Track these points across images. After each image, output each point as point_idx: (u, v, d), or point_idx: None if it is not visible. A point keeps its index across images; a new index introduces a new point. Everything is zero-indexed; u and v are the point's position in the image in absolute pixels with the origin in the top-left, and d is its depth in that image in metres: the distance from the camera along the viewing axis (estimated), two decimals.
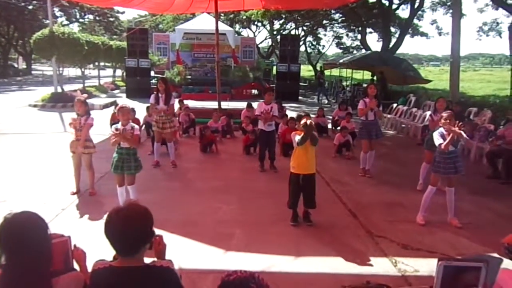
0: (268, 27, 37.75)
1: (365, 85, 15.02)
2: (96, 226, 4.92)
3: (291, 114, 11.28)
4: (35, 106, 17.14)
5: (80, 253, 2.28)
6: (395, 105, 14.71)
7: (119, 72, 32.93)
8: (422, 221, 5.35)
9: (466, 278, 1.97)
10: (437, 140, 5.22)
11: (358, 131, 7.66)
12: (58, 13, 38.75)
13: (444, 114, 5.24)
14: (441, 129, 5.24)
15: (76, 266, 2.31)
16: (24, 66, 46.00)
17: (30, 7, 38.15)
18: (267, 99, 7.74)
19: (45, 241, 1.94)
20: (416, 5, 22.93)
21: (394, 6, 26.59)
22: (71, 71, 36.25)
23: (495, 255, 2.33)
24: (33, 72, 44.12)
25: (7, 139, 10.25)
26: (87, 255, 2.40)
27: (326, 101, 22.30)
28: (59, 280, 1.91)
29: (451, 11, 17.87)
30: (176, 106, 10.53)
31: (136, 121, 8.86)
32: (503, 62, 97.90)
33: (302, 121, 4.93)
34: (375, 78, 20.37)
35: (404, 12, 28.61)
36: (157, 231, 2.06)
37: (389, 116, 13.90)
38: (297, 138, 5.02)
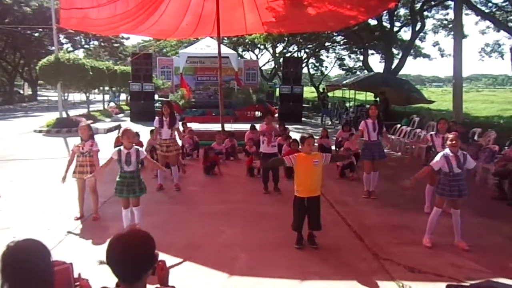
0: (271, 49, 38.21)
1: (368, 106, 15.05)
2: (99, 251, 4.88)
3: (294, 135, 11.30)
4: (40, 131, 17.26)
5: (85, 284, 2.26)
6: (398, 125, 14.72)
7: (123, 96, 33.28)
8: (429, 243, 5.27)
9: None
10: (437, 161, 5.21)
11: (361, 151, 7.65)
12: (63, 40, 39.41)
13: (450, 136, 5.23)
14: (447, 151, 5.22)
15: None
16: (30, 92, 46.48)
17: (36, 34, 38.85)
18: (267, 123, 8.02)
19: (48, 269, 1.92)
20: (418, 27, 23.19)
21: (395, 29, 26.94)
22: (76, 96, 36.66)
23: (506, 281, 2.27)
24: (38, 98, 44.60)
25: (12, 165, 10.29)
26: (90, 281, 2.38)
27: (330, 122, 22.35)
28: None
29: (452, 33, 18.04)
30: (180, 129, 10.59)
31: (140, 144, 8.90)
32: (506, 82, 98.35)
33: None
34: (377, 99, 20.46)
35: (406, 34, 28.98)
36: (160, 255, 2.04)
37: (392, 137, 13.88)
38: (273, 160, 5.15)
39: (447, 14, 25.99)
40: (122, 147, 5.26)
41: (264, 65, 43.71)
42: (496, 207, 7.26)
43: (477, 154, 9.27)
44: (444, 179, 5.24)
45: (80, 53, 41.74)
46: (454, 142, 5.13)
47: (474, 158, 9.07)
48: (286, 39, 30.87)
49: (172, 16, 11.81)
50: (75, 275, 2.41)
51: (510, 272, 4.55)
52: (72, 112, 21.16)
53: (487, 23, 22.78)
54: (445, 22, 27.43)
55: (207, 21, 11.94)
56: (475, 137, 11.06)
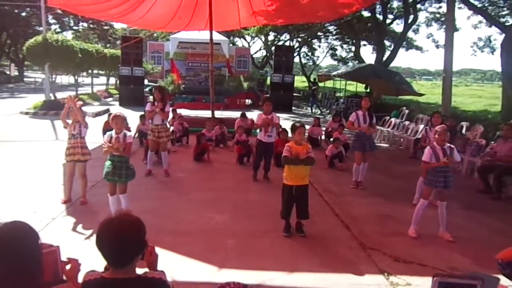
0: (262, 38, 38.01)
1: (359, 96, 15.12)
2: (87, 235, 4.88)
3: (284, 124, 11.32)
4: (26, 113, 17.00)
5: (74, 263, 2.23)
6: (387, 117, 14.82)
7: (112, 80, 32.87)
8: (414, 234, 5.36)
9: None
10: (425, 155, 5.28)
11: (352, 143, 7.69)
12: (52, 21, 38.61)
13: (438, 129, 5.29)
14: (434, 143, 5.30)
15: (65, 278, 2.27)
16: (16, 73, 45.67)
17: (24, 14, 38.01)
18: (266, 110, 7.64)
19: (36, 251, 1.91)
20: (410, 20, 23.23)
21: (388, 21, 26.96)
22: (64, 79, 36.11)
23: (493, 274, 2.31)
24: (25, 79, 43.86)
25: None
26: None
27: (319, 112, 22.41)
28: None
29: (444, 26, 18.09)
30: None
31: (128, 129, 8.83)
32: (494, 78, 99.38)
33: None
34: (368, 89, 20.55)
35: (398, 26, 29.03)
36: (149, 241, 2.03)
37: (382, 128, 13.98)
38: (283, 157, 5.09)
39: (440, 7, 26.05)
40: (113, 132, 5.22)
41: (255, 52, 43.58)
42: (481, 200, 7.40)
43: (464, 148, 9.40)
44: (431, 171, 5.31)
45: (68, 35, 41.01)
46: (441, 135, 5.19)
47: (461, 152, 9.21)
48: (278, 27, 30.71)
49: (164, 7, 11.58)
50: (63, 259, 2.40)
51: (493, 263, 4.64)
52: (60, 95, 20.85)
53: (479, 17, 22.87)
54: (438, 15, 27.50)
55: (201, 15, 11.74)
56: (463, 131, 11.19)
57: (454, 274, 2.60)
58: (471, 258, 4.75)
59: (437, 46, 30.89)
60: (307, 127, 8.85)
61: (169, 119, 8.82)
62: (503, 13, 20.80)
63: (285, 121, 14.47)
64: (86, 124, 5.97)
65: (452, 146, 5.40)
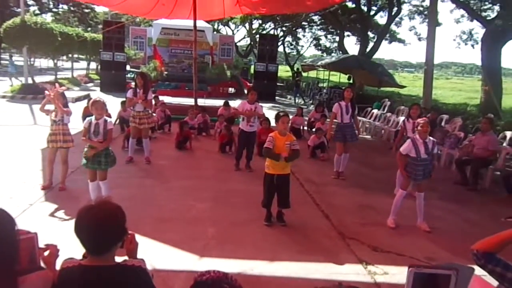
0: (247, 26, 37.75)
1: (342, 88, 15.19)
2: (65, 222, 4.82)
3: (267, 114, 11.31)
4: (3, 97, 16.56)
5: (52, 249, 2.19)
6: (369, 109, 14.95)
7: (93, 65, 32.25)
8: (393, 224, 5.45)
9: (436, 285, 2.01)
10: (405, 146, 5.35)
11: (334, 133, 7.73)
12: (30, 2, 37.54)
13: (421, 121, 5.34)
14: (416, 136, 5.35)
15: (42, 264, 2.23)
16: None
17: None
18: (250, 99, 7.60)
19: (12, 237, 1.86)
20: (394, 12, 23.37)
21: (372, 12, 27.06)
22: (43, 62, 35.27)
23: (468, 265, 2.37)
24: (2, 62, 42.65)
25: None
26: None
27: (302, 102, 22.46)
28: (26, 279, 1.84)
29: (427, 20, 18.28)
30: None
31: (108, 115, 8.70)
32: (474, 71, 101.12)
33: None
34: (351, 81, 20.67)
35: (382, 19, 29.21)
36: (129, 229, 2.01)
37: (364, 119, 14.10)
38: (264, 148, 5.09)
39: (423, 0, 26.29)
40: (93, 118, 5.12)
41: (239, 41, 43.21)
42: (458, 191, 7.57)
43: (443, 140, 9.56)
44: (411, 163, 5.38)
45: (48, 17, 39.95)
46: (423, 127, 5.25)
47: (439, 144, 9.37)
48: (262, 16, 30.55)
49: None
50: (40, 245, 2.36)
51: (468, 254, 4.76)
52: (38, 79, 20.38)
53: (462, 11, 23.17)
54: (421, 8, 27.75)
55: (185, 2, 11.52)
56: (442, 123, 11.38)
57: (429, 265, 2.66)
58: (447, 249, 4.87)
59: (419, 39, 31.28)
60: (290, 116, 8.87)
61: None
62: (485, 7, 21.09)
63: (269, 111, 14.47)
64: (69, 112, 5.85)
65: (434, 139, 5.48)
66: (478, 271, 2.20)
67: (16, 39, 16.90)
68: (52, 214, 5.13)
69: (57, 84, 6.18)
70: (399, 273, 4.02)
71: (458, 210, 6.43)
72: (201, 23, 20.10)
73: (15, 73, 21.28)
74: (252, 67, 26.33)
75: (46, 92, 5.79)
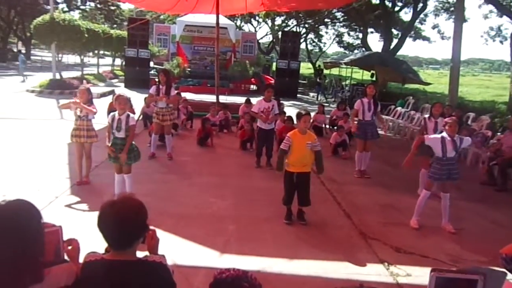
0: (269, 23, 37.65)
1: (365, 85, 14.98)
2: (89, 216, 4.90)
3: (289, 111, 11.26)
4: (32, 91, 17.03)
5: (74, 244, 2.24)
6: (393, 106, 14.72)
7: (118, 61, 32.75)
8: (416, 225, 5.34)
9: None
10: (432, 138, 5.27)
11: (356, 131, 7.64)
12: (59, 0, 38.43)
13: (449, 121, 5.22)
14: (444, 134, 5.22)
15: (66, 257, 2.28)
16: (23, 51, 45.60)
17: None
18: (267, 96, 7.65)
19: (37, 230, 1.90)
20: (419, 8, 22.90)
21: (396, 8, 26.59)
22: (70, 58, 36.00)
23: (497, 268, 2.27)
24: (32, 57, 43.76)
25: (3, 124, 10.17)
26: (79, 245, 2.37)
27: (324, 100, 22.29)
28: (51, 271, 1.88)
29: (453, 16, 17.84)
30: None
31: (132, 111, 8.83)
32: (503, 68, 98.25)
33: None
34: (374, 78, 20.39)
35: (406, 15, 28.67)
36: (151, 224, 2.03)
37: (387, 117, 13.89)
38: (280, 150, 5.16)
39: None
40: (116, 113, 5.20)
41: (262, 38, 43.19)
42: (485, 192, 7.36)
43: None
44: (436, 163, 5.26)
45: (75, 15, 40.74)
46: (451, 127, 5.13)
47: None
48: (285, 13, 30.38)
49: None
50: (64, 238, 2.40)
51: (495, 257, 4.64)
52: (66, 74, 20.83)
53: (490, 7, 22.54)
54: (447, 4, 27.12)
55: None
56: (469, 122, 11.11)
57: (453, 269, 2.58)
58: (474, 251, 4.74)
59: (442, 38, 30.55)
60: (312, 114, 8.81)
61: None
62: None
63: (290, 108, 14.41)
64: (94, 112, 5.95)
65: (462, 137, 5.35)
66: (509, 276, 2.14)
67: (45, 35, 17.30)
68: (76, 207, 5.25)
69: (84, 81, 6.32)
70: (423, 275, 3.93)
71: (485, 211, 6.27)
72: (224, 20, 20.14)
73: (23, 68, 21.98)
74: (274, 64, 26.22)
75: (73, 100, 5.89)
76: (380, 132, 8.29)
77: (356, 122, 7.74)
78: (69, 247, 2.21)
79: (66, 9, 39.72)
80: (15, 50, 45.15)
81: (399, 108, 14.25)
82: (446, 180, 5.27)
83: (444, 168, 5.18)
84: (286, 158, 5.17)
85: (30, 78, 21.82)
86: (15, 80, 21.59)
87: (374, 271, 4.14)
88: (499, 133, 9.13)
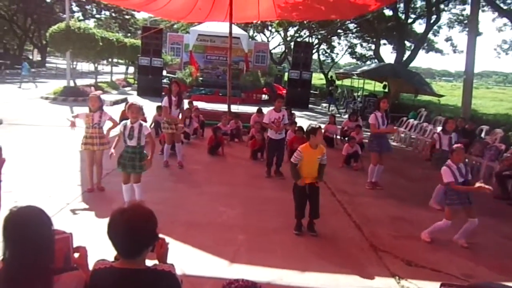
0: (282, 33, 37.80)
1: (376, 96, 14.93)
2: (99, 223, 4.91)
3: (300, 121, 11.25)
4: (46, 98, 17.28)
5: (82, 251, 2.25)
6: (405, 118, 14.61)
7: (131, 70, 33.12)
8: (428, 238, 5.26)
9: None
10: (447, 176, 5.10)
11: (368, 143, 7.61)
12: (75, 8, 39.10)
13: (456, 148, 5.16)
14: (449, 162, 5.14)
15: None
16: (39, 58, 46.37)
17: (48, 0, 38.56)
18: (277, 106, 7.71)
19: (48, 237, 1.91)
20: (432, 20, 22.82)
21: (409, 20, 26.54)
22: (84, 66, 36.53)
23: (505, 282, 2.23)
24: (47, 64, 44.50)
25: (17, 130, 10.32)
26: (88, 252, 2.37)
27: (336, 110, 22.23)
28: (61, 278, 1.88)
29: (467, 29, 17.73)
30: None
31: (143, 119, 8.89)
32: None
33: None
34: (387, 89, 20.30)
35: (420, 26, 28.61)
36: (160, 233, 2.03)
37: (399, 129, 13.80)
38: (291, 164, 5.14)
39: (464, 9, 25.56)
40: (128, 121, 5.22)
41: (274, 48, 43.31)
42: (498, 206, 7.24)
43: (483, 152, 9.21)
44: (449, 190, 5.14)
45: (90, 23, 41.44)
46: (459, 155, 5.09)
47: (479, 156, 9.05)
48: (298, 23, 30.51)
49: None
50: (74, 245, 2.41)
51: (508, 272, 4.55)
52: (80, 82, 21.11)
53: (504, 20, 22.38)
54: (461, 17, 27.00)
55: (221, 6, 11.70)
56: (482, 135, 10.97)
57: (464, 285, 2.52)
58: (486, 266, 4.66)
59: (455, 51, 30.35)
60: (323, 125, 8.80)
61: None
62: None
63: (301, 119, 14.41)
64: (117, 123, 6.12)
65: (465, 165, 5.27)
66: None
67: (61, 43, 17.58)
68: (87, 214, 5.27)
69: (92, 88, 6.43)
70: None
71: (497, 225, 6.16)
72: (236, 30, 20.31)
73: (27, 75, 22.29)
74: (286, 74, 26.29)
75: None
76: (393, 143, 8.26)
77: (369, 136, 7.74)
78: (76, 255, 2.22)
79: (81, 17, 40.46)
80: (30, 57, 45.99)
81: (411, 120, 14.14)
82: (469, 204, 5.12)
83: (460, 193, 5.07)
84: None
85: (45, 85, 22.13)
86: (29, 86, 21.91)
87: (384, 285, 4.08)
88: None
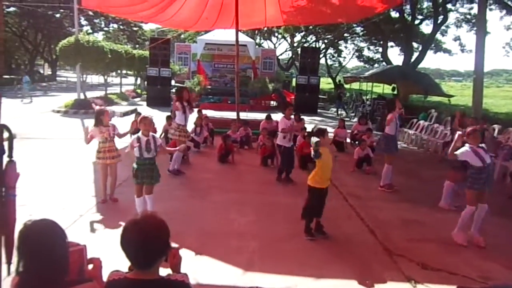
0: (288, 39, 37.88)
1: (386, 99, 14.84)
2: (112, 234, 4.93)
3: (309, 127, 11.22)
4: (58, 112, 17.49)
5: (96, 263, 2.27)
6: (415, 120, 14.50)
7: (140, 81, 33.44)
8: (465, 242, 5.14)
9: None
10: (463, 153, 5.08)
11: (385, 145, 7.54)
12: (83, 22, 39.69)
13: (470, 131, 5.15)
14: (467, 146, 5.12)
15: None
16: (49, 72, 47.11)
17: (58, 15, 39.21)
18: (287, 114, 7.99)
19: (62, 250, 1.93)
20: (440, 21, 22.70)
21: (416, 21, 26.42)
22: (94, 79, 36.97)
23: None
24: (57, 78, 45.13)
25: (30, 144, 10.43)
26: (102, 264, 2.39)
27: (345, 114, 22.15)
28: None
29: (475, 28, 17.61)
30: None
31: (154, 130, 8.97)
32: None
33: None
34: (396, 92, 20.19)
35: (427, 27, 28.46)
36: (172, 242, 2.03)
37: (409, 131, 13.70)
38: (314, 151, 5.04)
39: (471, 8, 25.35)
40: (140, 134, 5.26)
41: (281, 54, 43.37)
42: None
43: (496, 152, 9.09)
44: (475, 173, 5.10)
45: (99, 36, 41.99)
46: (475, 138, 5.07)
47: (493, 156, 8.92)
48: (304, 28, 30.57)
49: (191, 8, 11.73)
50: (88, 257, 2.43)
51: None
52: (90, 94, 21.35)
53: None
54: (469, 16, 26.79)
55: (227, 14, 11.83)
56: (495, 134, 10.84)
57: (484, 286, 2.48)
58: (504, 267, 4.58)
59: (463, 50, 30.07)
60: (332, 130, 8.80)
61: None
62: None
63: (311, 125, 14.37)
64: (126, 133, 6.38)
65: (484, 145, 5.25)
66: None
67: (70, 57, 17.82)
68: (100, 225, 5.30)
69: (93, 104, 6.60)
70: None
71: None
72: (243, 37, 20.43)
73: (27, 90, 22.52)
74: (294, 80, 26.31)
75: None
76: (403, 145, 8.28)
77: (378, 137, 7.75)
78: (90, 266, 2.24)
79: (90, 31, 41.02)
80: (41, 72, 46.73)
81: (421, 121, 14.02)
82: (484, 188, 5.11)
83: (483, 177, 5.06)
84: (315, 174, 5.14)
85: (56, 98, 22.41)
86: (42, 100, 22.21)
87: None
88: None
